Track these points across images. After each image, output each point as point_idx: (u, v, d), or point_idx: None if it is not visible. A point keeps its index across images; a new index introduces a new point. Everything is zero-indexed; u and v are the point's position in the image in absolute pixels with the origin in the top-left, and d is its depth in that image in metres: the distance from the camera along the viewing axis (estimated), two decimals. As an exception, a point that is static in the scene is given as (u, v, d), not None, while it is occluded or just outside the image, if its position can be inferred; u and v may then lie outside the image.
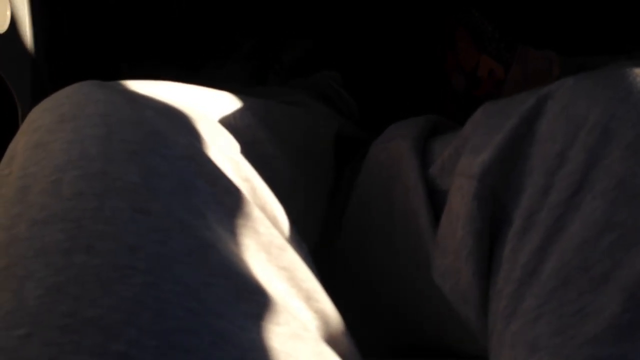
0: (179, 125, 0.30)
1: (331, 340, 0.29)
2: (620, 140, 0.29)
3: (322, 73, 0.61)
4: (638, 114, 0.29)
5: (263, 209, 0.31)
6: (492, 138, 0.34)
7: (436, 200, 0.39)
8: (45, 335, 0.22)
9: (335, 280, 0.44)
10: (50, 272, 0.24)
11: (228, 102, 0.38)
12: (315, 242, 0.44)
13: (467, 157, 0.35)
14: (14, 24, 0.44)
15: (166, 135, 0.29)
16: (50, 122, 0.29)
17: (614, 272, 0.27)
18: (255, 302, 0.26)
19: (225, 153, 0.31)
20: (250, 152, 0.34)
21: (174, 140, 0.29)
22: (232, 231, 0.28)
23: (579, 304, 0.27)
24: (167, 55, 0.59)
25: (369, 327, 0.43)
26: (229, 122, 0.37)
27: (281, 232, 0.31)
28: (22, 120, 0.30)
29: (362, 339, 0.33)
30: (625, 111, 0.30)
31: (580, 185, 0.29)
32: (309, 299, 0.29)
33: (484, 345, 0.33)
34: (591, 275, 0.27)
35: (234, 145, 0.33)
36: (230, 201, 0.28)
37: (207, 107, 0.36)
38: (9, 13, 0.43)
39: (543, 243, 0.29)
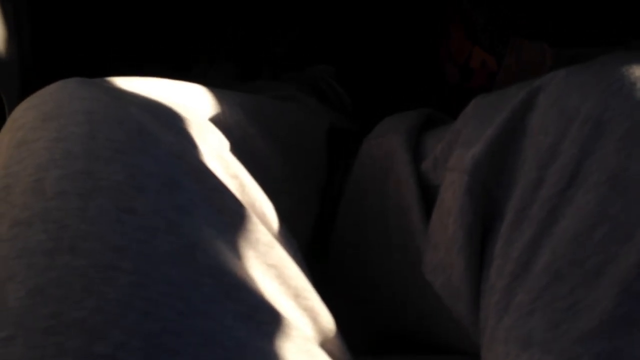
0: (166, 122, 0.30)
1: (320, 339, 0.28)
2: (612, 132, 0.29)
3: (315, 67, 0.61)
4: (631, 106, 0.29)
5: (252, 206, 0.31)
6: (484, 132, 0.34)
7: (428, 195, 0.38)
8: (28, 337, 0.22)
9: (330, 276, 0.44)
10: (32, 273, 0.23)
11: (217, 98, 0.38)
12: (308, 238, 0.43)
13: (459, 151, 0.35)
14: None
15: (152, 132, 0.29)
16: (34, 120, 0.28)
17: (607, 266, 0.26)
18: (243, 301, 0.25)
19: (214, 150, 0.31)
20: (240, 148, 0.34)
21: (160, 138, 0.29)
22: (220, 229, 0.27)
23: (572, 298, 0.27)
24: (156, 55, 0.58)
25: (364, 323, 0.43)
26: (218, 118, 0.36)
27: (270, 229, 0.31)
28: None
29: (355, 334, 0.33)
30: (618, 103, 0.29)
31: (572, 179, 0.29)
32: (297, 296, 0.28)
33: (477, 341, 0.33)
34: (584, 269, 0.27)
35: (223, 142, 0.33)
36: (217, 199, 0.28)
37: (196, 103, 0.35)
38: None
39: (535, 237, 0.29)
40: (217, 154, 0.31)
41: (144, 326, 0.22)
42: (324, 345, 0.29)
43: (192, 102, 0.35)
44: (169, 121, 0.30)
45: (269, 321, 0.25)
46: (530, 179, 0.30)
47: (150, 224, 0.25)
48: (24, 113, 0.29)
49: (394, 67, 0.59)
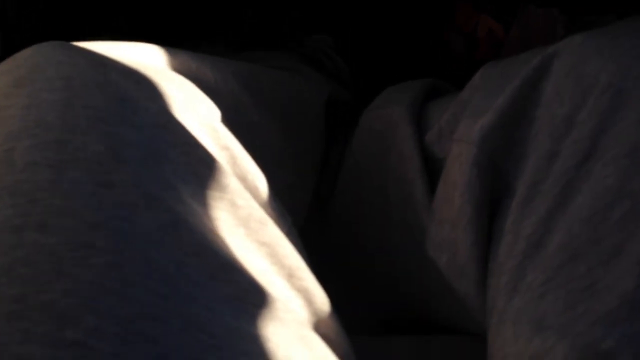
0: (150, 89, 0.28)
1: (315, 321, 0.27)
2: (633, 102, 0.27)
3: (312, 37, 0.59)
4: None
5: (243, 180, 0.29)
6: (493, 101, 0.32)
7: (432, 168, 0.37)
8: None
9: (327, 253, 0.43)
10: None
11: (208, 65, 0.36)
12: (306, 214, 0.42)
13: (466, 122, 0.33)
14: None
15: (135, 100, 0.26)
16: (6, 85, 0.26)
17: (627, 245, 0.25)
18: (231, 282, 0.23)
19: (202, 120, 0.29)
20: (232, 119, 0.32)
21: (144, 106, 0.27)
22: (207, 204, 0.25)
23: (589, 279, 0.25)
24: (144, 31, 0.56)
25: (362, 301, 0.42)
26: (209, 87, 0.34)
27: (262, 204, 0.29)
28: None
29: (353, 313, 0.31)
30: (639, 71, 0.27)
31: (589, 152, 0.27)
32: (291, 276, 0.27)
33: (482, 321, 0.31)
34: (602, 248, 0.25)
35: (213, 112, 0.31)
36: (205, 172, 0.26)
37: (184, 71, 0.33)
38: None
39: (549, 214, 0.27)
40: (206, 124, 0.29)
41: (120, 310, 0.21)
42: (319, 327, 0.27)
43: (181, 69, 0.33)
44: (153, 88, 0.28)
45: (260, 304, 0.24)
46: (544, 151, 0.29)
47: (129, 199, 0.23)
48: None
49: (396, 36, 0.56)
